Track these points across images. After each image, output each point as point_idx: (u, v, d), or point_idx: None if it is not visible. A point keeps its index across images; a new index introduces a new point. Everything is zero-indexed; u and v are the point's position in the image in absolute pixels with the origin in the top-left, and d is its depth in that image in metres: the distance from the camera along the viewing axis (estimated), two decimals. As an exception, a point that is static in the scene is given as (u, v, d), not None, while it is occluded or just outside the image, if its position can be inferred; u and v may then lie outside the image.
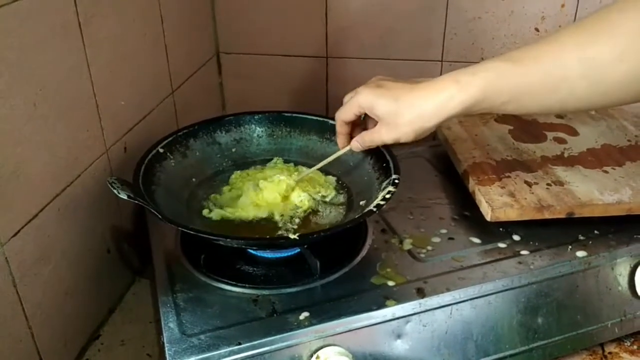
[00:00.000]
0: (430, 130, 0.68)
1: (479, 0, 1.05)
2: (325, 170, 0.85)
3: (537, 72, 0.62)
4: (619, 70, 0.59)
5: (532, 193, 0.77)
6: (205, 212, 0.77)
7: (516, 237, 0.76)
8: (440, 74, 1.10)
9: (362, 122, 0.78)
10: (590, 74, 0.60)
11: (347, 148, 0.78)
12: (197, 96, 1.10)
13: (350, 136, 0.78)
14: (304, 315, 0.63)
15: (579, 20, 0.61)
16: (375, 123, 0.73)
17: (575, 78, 0.61)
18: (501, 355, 0.70)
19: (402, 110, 0.68)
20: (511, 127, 0.96)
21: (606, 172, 0.83)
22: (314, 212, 0.78)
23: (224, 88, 1.23)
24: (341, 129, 0.78)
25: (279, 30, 1.15)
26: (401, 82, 0.71)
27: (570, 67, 0.61)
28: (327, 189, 0.81)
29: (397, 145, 0.83)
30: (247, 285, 0.68)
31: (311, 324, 0.62)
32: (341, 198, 0.81)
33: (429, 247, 0.74)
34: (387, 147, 0.79)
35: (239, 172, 0.85)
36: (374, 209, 0.68)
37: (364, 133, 0.75)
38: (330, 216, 0.77)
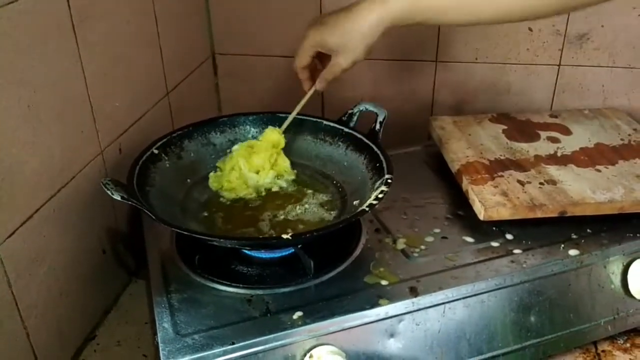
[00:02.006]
0: (376, 44, 0.76)
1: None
2: (320, 171, 0.85)
3: None
4: None
5: (525, 192, 0.78)
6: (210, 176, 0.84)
7: (509, 236, 0.76)
8: (435, 74, 1.13)
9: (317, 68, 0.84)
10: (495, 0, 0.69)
11: (312, 89, 0.84)
12: (193, 97, 1.10)
13: (313, 80, 0.84)
14: (297, 314, 0.64)
15: None
16: (328, 62, 0.80)
17: (483, 2, 0.70)
18: (494, 353, 0.70)
19: (349, 35, 0.75)
20: (505, 127, 0.96)
21: (599, 171, 0.83)
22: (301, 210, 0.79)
23: (220, 89, 1.23)
24: (302, 75, 0.84)
25: (274, 31, 1.15)
26: (335, 13, 0.77)
27: None
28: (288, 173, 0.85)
29: (390, 144, 0.83)
30: (241, 285, 0.69)
31: (305, 324, 0.63)
32: (329, 196, 0.81)
33: (423, 247, 0.75)
34: (380, 147, 0.79)
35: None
36: (367, 209, 0.68)
37: (323, 72, 0.81)
38: (314, 215, 0.78)
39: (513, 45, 1.08)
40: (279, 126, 0.88)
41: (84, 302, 0.78)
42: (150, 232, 0.80)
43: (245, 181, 0.82)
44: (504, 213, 0.75)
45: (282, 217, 0.77)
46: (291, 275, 0.70)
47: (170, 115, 1.00)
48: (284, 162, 0.85)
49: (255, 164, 0.83)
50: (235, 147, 0.86)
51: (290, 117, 0.86)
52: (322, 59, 0.83)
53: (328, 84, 0.83)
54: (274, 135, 0.85)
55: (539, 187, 0.79)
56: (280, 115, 0.89)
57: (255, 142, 0.86)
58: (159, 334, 0.62)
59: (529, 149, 0.89)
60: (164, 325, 0.63)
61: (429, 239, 0.76)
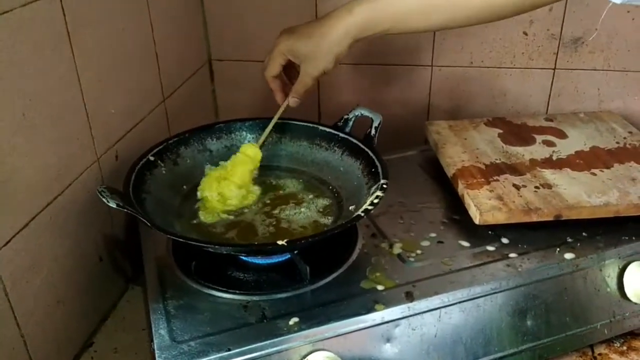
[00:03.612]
0: (345, 52, 0.77)
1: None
2: (315, 177, 0.85)
3: (411, 1, 0.73)
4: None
5: (521, 196, 0.78)
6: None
7: (505, 240, 0.76)
8: (431, 79, 1.13)
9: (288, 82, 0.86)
10: (455, 2, 0.72)
11: (285, 103, 0.84)
12: (190, 103, 1.10)
13: (285, 93, 0.85)
14: (293, 320, 0.64)
15: None
16: (297, 74, 0.81)
17: (443, 5, 0.72)
18: (491, 357, 0.70)
19: (318, 43, 0.77)
20: (500, 131, 0.97)
21: (594, 174, 0.83)
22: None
23: (217, 95, 1.23)
24: (274, 85, 0.85)
25: (270, 36, 1.13)
26: (305, 23, 0.80)
27: None
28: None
29: (386, 149, 0.84)
30: (237, 292, 0.69)
31: (301, 329, 0.63)
32: (325, 202, 0.81)
33: (419, 251, 0.75)
34: (376, 152, 0.79)
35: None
36: (362, 214, 0.68)
37: (294, 87, 0.82)
38: (310, 220, 0.78)
39: (508, 50, 1.08)
40: (275, 132, 0.88)
41: (81, 310, 0.78)
42: (146, 238, 0.80)
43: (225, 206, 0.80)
44: (499, 217, 0.75)
45: (276, 222, 0.77)
46: (287, 281, 0.71)
47: (166, 121, 1.00)
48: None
49: (228, 193, 0.80)
50: (207, 169, 0.84)
51: (266, 132, 0.86)
52: (290, 74, 0.84)
53: (302, 97, 0.83)
54: (250, 150, 0.83)
55: (535, 191, 0.79)
56: (277, 121, 0.89)
57: (227, 165, 0.83)
58: (155, 341, 0.62)
59: (524, 153, 0.90)
60: (160, 332, 0.63)
61: (425, 243, 0.76)
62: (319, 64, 0.78)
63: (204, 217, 0.78)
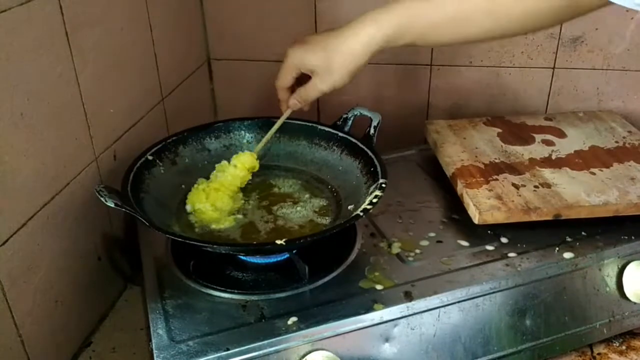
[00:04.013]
0: (362, 68, 0.73)
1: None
2: (314, 176, 0.85)
3: (446, 10, 0.68)
4: (516, 9, 0.66)
5: (520, 195, 0.78)
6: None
7: (504, 240, 0.76)
8: (430, 78, 1.13)
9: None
10: (494, 11, 0.66)
11: (289, 111, 0.82)
12: (189, 103, 1.10)
13: None
14: (292, 320, 0.64)
15: None
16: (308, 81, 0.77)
17: (480, 15, 0.67)
18: (490, 357, 0.70)
19: (333, 56, 0.72)
20: (499, 130, 0.96)
21: (593, 173, 0.83)
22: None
23: (215, 94, 1.23)
24: (282, 96, 0.81)
25: (269, 36, 1.15)
26: (321, 33, 0.75)
27: (476, 4, 0.67)
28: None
29: (385, 148, 0.83)
30: (235, 291, 0.69)
31: (299, 329, 0.63)
32: (324, 201, 0.81)
33: (417, 251, 0.75)
34: (375, 151, 0.79)
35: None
36: (361, 214, 0.68)
37: (299, 89, 0.78)
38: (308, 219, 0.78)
39: (507, 49, 1.08)
40: (274, 133, 0.88)
41: (79, 309, 0.77)
42: (145, 238, 0.80)
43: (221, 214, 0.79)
44: (498, 217, 0.75)
45: (276, 221, 0.77)
46: (286, 280, 0.70)
47: (165, 121, 1.00)
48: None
49: (220, 203, 0.78)
50: (200, 181, 0.82)
51: (264, 140, 0.85)
52: (303, 82, 0.80)
53: (303, 104, 0.80)
54: (245, 158, 0.82)
55: (534, 191, 0.79)
56: (275, 120, 0.89)
57: (216, 174, 0.82)
58: (153, 341, 0.62)
59: (523, 152, 0.89)
60: (159, 332, 0.63)
61: (424, 243, 0.76)
62: (331, 80, 0.74)
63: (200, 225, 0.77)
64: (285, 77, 0.78)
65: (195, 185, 0.81)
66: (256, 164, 0.83)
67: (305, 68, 0.75)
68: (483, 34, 0.70)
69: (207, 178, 0.84)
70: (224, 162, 0.83)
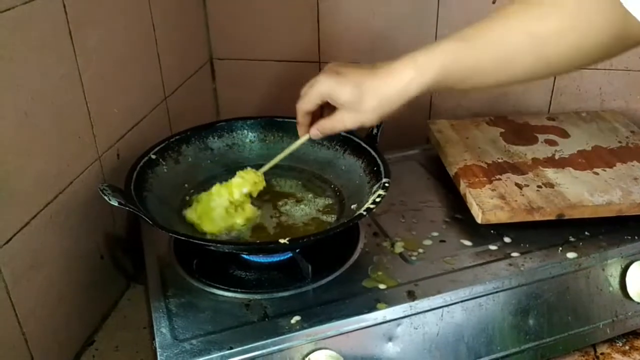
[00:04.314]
0: (394, 113, 0.68)
1: (469, 5, 1.05)
2: (317, 175, 0.85)
3: (488, 50, 0.64)
4: (560, 45, 0.61)
5: (523, 195, 0.78)
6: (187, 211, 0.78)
7: (507, 239, 0.76)
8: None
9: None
10: (538, 49, 0.62)
11: (306, 137, 0.77)
12: (191, 102, 1.10)
13: (309, 128, 0.76)
14: (295, 319, 0.64)
15: None
16: (332, 110, 0.72)
17: (524, 54, 0.62)
18: (493, 357, 0.70)
19: (365, 96, 0.67)
20: (502, 130, 0.96)
21: (596, 173, 0.83)
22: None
23: (218, 94, 1.23)
24: (303, 120, 0.76)
25: (271, 35, 1.15)
26: (358, 67, 0.70)
27: (520, 43, 0.62)
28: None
29: (388, 148, 0.83)
30: (239, 290, 0.69)
31: (303, 328, 0.63)
32: (327, 200, 0.81)
33: (421, 250, 0.75)
34: (378, 151, 0.79)
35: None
36: (364, 213, 0.68)
37: (322, 121, 0.74)
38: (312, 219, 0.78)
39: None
40: (277, 130, 0.88)
41: (82, 308, 0.78)
42: (148, 237, 0.80)
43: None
44: (501, 216, 0.75)
45: (280, 218, 0.77)
46: (289, 279, 0.70)
47: (168, 120, 1.00)
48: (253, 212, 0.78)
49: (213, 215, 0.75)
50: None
51: (273, 162, 0.80)
52: (327, 107, 0.74)
53: (323, 136, 0.75)
54: (249, 176, 0.77)
55: (537, 190, 0.79)
56: (278, 119, 0.90)
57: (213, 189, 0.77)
58: (157, 339, 0.62)
59: (526, 152, 0.89)
60: (162, 330, 0.63)
61: (427, 242, 0.76)
62: (358, 117, 0.69)
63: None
64: (310, 102, 0.72)
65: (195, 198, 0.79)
66: (260, 180, 0.78)
67: (333, 100, 0.70)
68: (529, 73, 0.65)
69: (209, 176, 0.84)
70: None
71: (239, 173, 0.77)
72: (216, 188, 0.76)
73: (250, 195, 0.77)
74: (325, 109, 0.74)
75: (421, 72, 0.65)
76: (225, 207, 0.75)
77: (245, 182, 0.76)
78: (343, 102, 0.69)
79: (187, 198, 0.81)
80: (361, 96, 0.67)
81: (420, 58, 0.65)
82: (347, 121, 0.70)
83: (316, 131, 0.75)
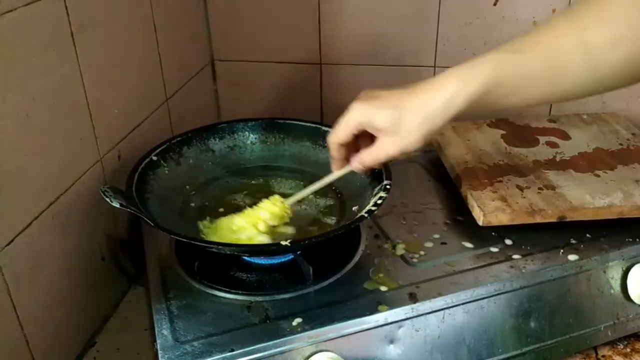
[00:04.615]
0: (437, 132, 0.64)
1: (471, 6, 1.05)
2: (318, 177, 0.85)
3: (538, 60, 0.60)
4: (614, 55, 0.58)
5: (524, 197, 0.78)
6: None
7: (508, 242, 0.76)
8: (433, 80, 1.12)
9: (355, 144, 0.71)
10: (589, 60, 0.58)
11: (347, 169, 0.71)
12: (192, 104, 1.10)
13: (347, 160, 0.71)
14: (297, 321, 0.64)
15: (570, 6, 0.60)
16: (370, 142, 0.68)
17: (575, 64, 0.59)
18: (494, 359, 0.70)
19: (406, 116, 0.62)
20: (503, 132, 0.96)
21: (598, 175, 0.83)
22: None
23: (219, 95, 1.23)
24: (337, 154, 0.70)
25: (273, 37, 1.15)
26: (395, 89, 0.66)
27: (570, 53, 0.59)
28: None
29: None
30: (240, 292, 0.69)
31: (304, 330, 0.63)
32: (328, 202, 0.81)
33: (422, 252, 0.75)
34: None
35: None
36: (366, 215, 0.68)
37: (362, 153, 0.68)
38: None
39: (511, 51, 1.08)
40: (278, 132, 0.88)
41: (83, 309, 0.77)
42: (149, 238, 0.80)
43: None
44: (503, 218, 0.75)
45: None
46: (290, 281, 0.70)
47: (169, 121, 1.00)
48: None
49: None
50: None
51: (303, 193, 0.76)
52: (362, 138, 0.69)
53: (364, 169, 0.70)
54: (278, 209, 0.74)
55: (538, 192, 0.79)
56: (279, 121, 0.90)
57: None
58: (158, 341, 0.62)
59: (527, 154, 0.89)
60: (163, 332, 0.63)
61: (428, 244, 0.76)
62: (401, 142, 0.64)
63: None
64: (344, 134, 0.67)
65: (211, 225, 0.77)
66: (288, 214, 0.74)
67: (371, 127, 0.65)
68: (578, 86, 0.61)
69: (210, 177, 0.85)
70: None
71: (267, 204, 0.73)
72: (240, 220, 0.73)
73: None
74: (362, 141, 0.69)
75: (466, 82, 0.60)
76: (249, 236, 0.72)
77: (274, 217, 0.73)
78: (382, 127, 0.64)
79: (205, 218, 0.78)
80: (401, 116, 0.62)
81: (464, 69, 0.61)
82: (389, 148, 0.65)
83: (357, 164, 0.70)
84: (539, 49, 0.61)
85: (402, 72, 1.13)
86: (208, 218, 0.77)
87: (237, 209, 0.78)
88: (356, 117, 0.66)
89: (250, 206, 0.76)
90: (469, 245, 0.76)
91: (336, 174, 0.73)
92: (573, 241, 0.76)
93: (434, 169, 0.94)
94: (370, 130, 0.66)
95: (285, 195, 0.82)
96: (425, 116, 0.62)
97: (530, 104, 0.64)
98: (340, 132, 0.68)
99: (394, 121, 0.63)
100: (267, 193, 0.83)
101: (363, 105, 0.65)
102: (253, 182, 0.86)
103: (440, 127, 0.63)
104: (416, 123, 0.62)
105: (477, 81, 0.60)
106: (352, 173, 0.81)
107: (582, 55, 0.59)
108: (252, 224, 0.73)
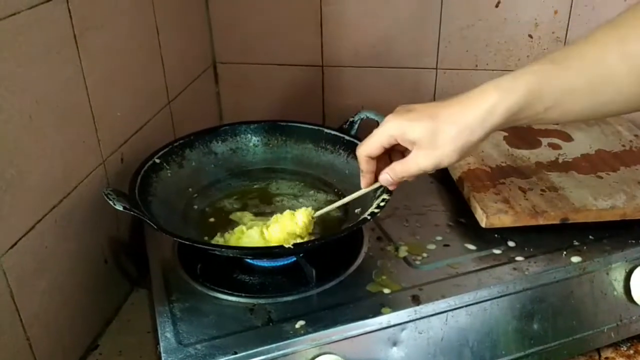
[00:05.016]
0: (475, 146, 0.61)
1: (473, 8, 1.05)
2: (321, 179, 0.86)
3: (581, 72, 0.58)
4: None
5: (527, 199, 0.78)
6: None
7: (511, 244, 0.76)
8: (435, 82, 1.13)
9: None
10: (634, 71, 0.56)
11: (376, 184, 0.69)
12: (194, 106, 1.10)
13: (376, 175, 0.69)
14: (299, 323, 0.64)
15: (611, 19, 0.60)
16: (402, 155, 0.66)
17: (620, 75, 0.57)
18: (497, 361, 0.70)
19: (442, 127, 0.60)
20: (506, 134, 0.96)
21: (600, 177, 0.83)
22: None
23: (221, 98, 1.23)
24: (367, 167, 0.68)
25: (275, 39, 1.15)
26: (430, 103, 0.65)
27: (614, 63, 0.57)
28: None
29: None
30: (243, 295, 0.69)
31: (307, 333, 0.63)
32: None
33: (425, 254, 0.75)
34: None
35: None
36: (369, 217, 0.68)
37: (394, 164, 0.66)
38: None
39: (513, 52, 1.08)
40: (280, 134, 0.89)
41: (86, 312, 0.78)
42: (152, 241, 0.80)
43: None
44: (505, 220, 0.75)
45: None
46: (293, 284, 0.70)
47: (171, 124, 1.00)
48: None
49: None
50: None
51: (330, 207, 0.74)
52: (394, 153, 0.68)
53: (395, 182, 0.67)
54: (306, 218, 0.72)
55: (541, 194, 0.79)
56: (281, 123, 0.90)
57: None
58: (161, 344, 0.62)
59: (530, 156, 0.89)
60: (167, 335, 0.63)
61: (431, 246, 0.76)
62: (435, 156, 0.62)
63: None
64: (375, 146, 0.65)
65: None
66: (312, 225, 0.73)
67: (405, 139, 0.63)
68: (624, 97, 0.59)
69: (213, 180, 0.85)
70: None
71: (296, 217, 0.71)
72: (269, 236, 0.71)
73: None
74: (394, 156, 0.68)
75: (505, 95, 0.58)
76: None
77: (305, 230, 0.71)
78: (416, 139, 0.62)
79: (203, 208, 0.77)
80: (437, 128, 0.60)
81: (504, 81, 0.59)
82: (422, 161, 0.63)
83: (387, 177, 0.67)
84: (580, 60, 0.59)
85: (404, 74, 1.13)
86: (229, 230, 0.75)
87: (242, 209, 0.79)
88: (389, 129, 0.64)
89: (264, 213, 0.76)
90: (471, 247, 0.76)
91: (365, 190, 0.71)
92: (576, 243, 0.76)
93: (436, 171, 0.92)
94: (403, 144, 0.64)
95: (288, 197, 0.83)
96: (462, 128, 0.60)
97: (570, 119, 0.62)
98: (371, 144, 0.66)
99: (429, 132, 0.61)
100: (269, 195, 0.83)
101: (397, 118, 0.63)
102: (255, 184, 0.86)
103: (477, 142, 0.61)
104: (452, 135, 0.60)
105: (517, 93, 0.58)
106: (354, 175, 0.81)
107: (626, 65, 0.57)
108: (284, 240, 0.70)
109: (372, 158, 0.67)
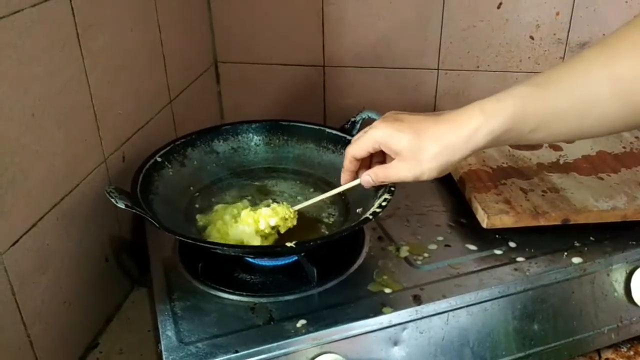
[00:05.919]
0: (454, 165, 0.64)
1: (474, 9, 1.06)
2: (322, 179, 0.85)
3: (566, 94, 0.59)
4: None
5: (528, 200, 0.78)
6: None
7: (512, 244, 0.76)
8: (437, 83, 1.13)
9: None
10: (620, 94, 0.57)
11: (356, 181, 0.72)
12: (196, 105, 1.10)
13: (356, 173, 0.72)
14: (301, 322, 0.64)
15: (601, 39, 0.60)
16: (383, 160, 0.69)
17: (605, 98, 0.57)
18: (498, 361, 0.70)
19: (425, 144, 0.62)
20: (507, 135, 0.96)
21: (601, 178, 0.83)
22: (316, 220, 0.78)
23: (222, 97, 1.23)
24: (350, 166, 0.71)
25: (276, 39, 1.15)
26: (420, 115, 0.66)
27: (600, 86, 0.57)
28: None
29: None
30: (244, 293, 0.69)
31: (308, 332, 0.63)
32: (335, 204, 0.81)
33: (426, 254, 0.75)
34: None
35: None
36: (370, 217, 0.68)
37: (376, 168, 0.69)
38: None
39: (515, 54, 1.08)
40: (282, 134, 0.89)
41: (86, 310, 0.78)
42: (153, 239, 0.80)
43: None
44: (507, 221, 0.75)
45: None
46: (294, 283, 0.70)
47: (173, 123, 1.00)
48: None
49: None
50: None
51: (310, 202, 0.76)
52: (375, 156, 0.71)
53: (375, 184, 0.70)
54: (281, 210, 0.73)
55: (542, 195, 0.79)
56: (282, 123, 0.90)
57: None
58: (162, 342, 0.62)
59: (531, 157, 0.89)
60: (168, 334, 0.63)
61: (432, 246, 0.76)
62: (416, 169, 0.64)
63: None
64: (362, 149, 0.68)
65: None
66: (292, 218, 0.73)
67: (389, 148, 0.65)
68: (608, 121, 0.59)
69: (215, 179, 0.85)
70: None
71: (273, 206, 0.73)
72: (245, 213, 0.73)
73: (278, 230, 0.73)
74: (374, 157, 0.71)
75: (490, 118, 0.60)
76: (248, 233, 0.72)
77: (275, 214, 0.72)
78: (400, 150, 0.64)
79: (203, 206, 0.79)
80: (421, 144, 0.62)
81: (488, 104, 0.60)
82: (403, 172, 0.65)
83: (368, 178, 0.69)
84: (566, 82, 0.59)
85: (405, 74, 1.13)
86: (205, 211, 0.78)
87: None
88: (377, 136, 0.65)
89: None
90: (472, 247, 0.76)
91: (345, 185, 0.73)
92: (577, 244, 0.76)
93: (438, 172, 0.94)
94: (387, 152, 0.66)
95: (292, 199, 0.83)
96: (444, 147, 0.62)
97: (556, 140, 0.62)
98: (358, 147, 0.68)
99: (412, 147, 0.63)
100: (270, 195, 0.83)
101: (385, 126, 0.65)
102: (257, 183, 0.86)
103: (459, 160, 0.63)
104: (434, 153, 0.62)
105: (501, 116, 0.59)
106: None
107: (612, 88, 0.57)
108: (255, 221, 0.72)
109: (357, 159, 0.70)
